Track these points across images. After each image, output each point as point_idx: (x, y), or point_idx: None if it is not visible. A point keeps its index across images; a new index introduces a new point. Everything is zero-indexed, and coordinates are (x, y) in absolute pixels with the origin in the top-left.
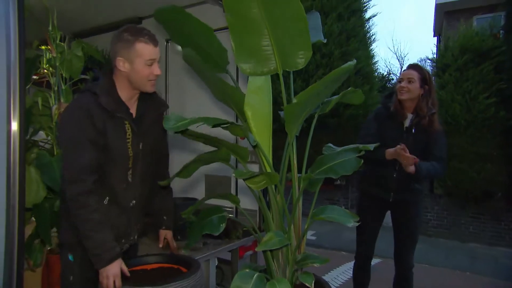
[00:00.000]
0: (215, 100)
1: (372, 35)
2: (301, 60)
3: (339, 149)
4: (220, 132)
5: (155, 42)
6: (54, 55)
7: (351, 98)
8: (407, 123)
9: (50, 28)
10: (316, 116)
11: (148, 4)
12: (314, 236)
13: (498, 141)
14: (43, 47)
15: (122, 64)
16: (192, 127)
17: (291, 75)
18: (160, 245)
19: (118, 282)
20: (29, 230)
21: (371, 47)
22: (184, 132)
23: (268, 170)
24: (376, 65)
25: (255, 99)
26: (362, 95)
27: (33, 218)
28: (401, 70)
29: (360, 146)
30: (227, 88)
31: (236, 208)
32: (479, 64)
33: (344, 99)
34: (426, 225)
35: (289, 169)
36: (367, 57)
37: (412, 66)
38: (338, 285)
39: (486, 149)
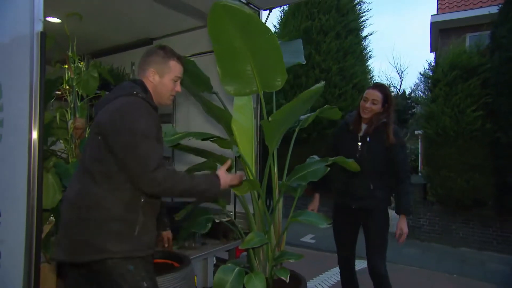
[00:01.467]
0: None
1: (369, 52)
2: (278, 83)
3: (316, 160)
4: (213, 146)
5: (183, 64)
6: (72, 76)
7: (328, 114)
8: (361, 133)
9: (69, 53)
10: (296, 130)
11: (159, 27)
12: (313, 239)
13: (485, 152)
14: (65, 66)
15: (152, 76)
16: (185, 142)
17: (274, 94)
18: (166, 245)
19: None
20: (47, 228)
21: (368, 63)
22: (177, 146)
23: (251, 177)
24: (373, 79)
25: (239, 116)
26: (339, 112)
27: (52, 218)
28: (401, 83)
29: (325, 158)
30: (215, 108)
31: (235, 211)
32: (467, 80)
33: (322, 115)
34: (419, 230)
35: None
36: (364, 72)
37: (377, 86)
38: (331, 285)
39: (474, 159)
